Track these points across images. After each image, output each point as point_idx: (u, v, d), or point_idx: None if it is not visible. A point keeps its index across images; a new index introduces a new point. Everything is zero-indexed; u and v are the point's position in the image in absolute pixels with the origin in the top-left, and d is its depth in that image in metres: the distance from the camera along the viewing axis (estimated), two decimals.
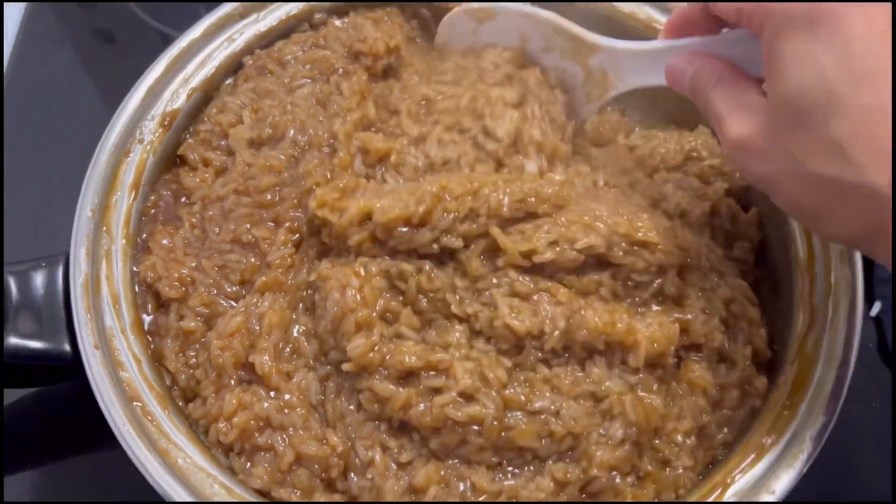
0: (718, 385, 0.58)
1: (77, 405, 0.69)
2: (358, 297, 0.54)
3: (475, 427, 0.52)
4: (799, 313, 0.61)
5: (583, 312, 0.54)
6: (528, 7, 0.67)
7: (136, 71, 0.69)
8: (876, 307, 0.74)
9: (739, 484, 0.54)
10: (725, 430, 0.58)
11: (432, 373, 0.53)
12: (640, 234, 0.57)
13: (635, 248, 0.57)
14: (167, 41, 0.92)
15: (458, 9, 0.70)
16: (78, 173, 0.63)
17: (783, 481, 0.53)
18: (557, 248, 0.55)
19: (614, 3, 0.74)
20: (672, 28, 0.58)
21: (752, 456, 0.55)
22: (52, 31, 0.99)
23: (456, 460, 0.53)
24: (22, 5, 0.98)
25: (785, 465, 0.54)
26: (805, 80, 0.42)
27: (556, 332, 0.54)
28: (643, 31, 0.73)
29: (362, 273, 0.56)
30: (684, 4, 0.57)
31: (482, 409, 0.52)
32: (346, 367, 0.54)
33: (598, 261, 0.57)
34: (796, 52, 0.43)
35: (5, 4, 0.97)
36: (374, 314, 0.55)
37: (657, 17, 0.73)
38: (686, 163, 0.71)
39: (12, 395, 0.71)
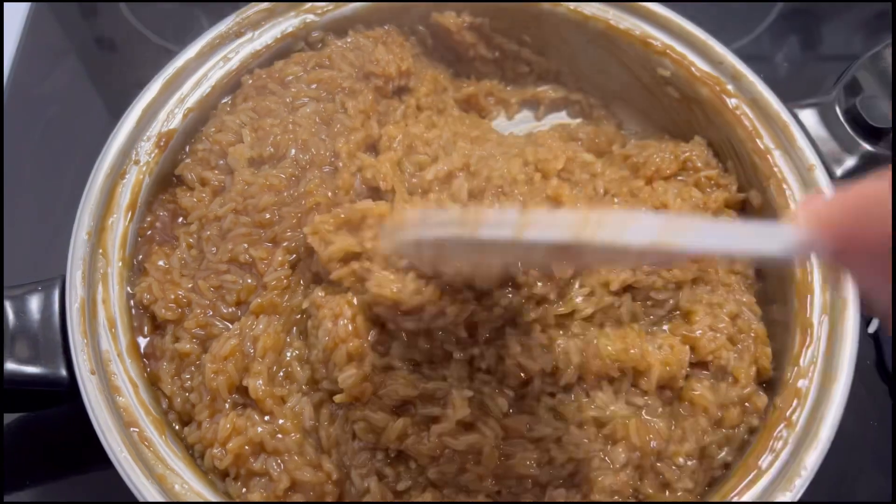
0: (719, 404, 0.58)
1: (73, 426, 0.70)
2: (350, 327, 0.54)
3: (474, 456, 0.52)
4: (795, 332, 0.61)
5: (596, 342, 0.55)
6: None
7: (139, 79, 0.68)
8: (874, 324, 0.74)
9: None
10: (725, 450, 0.58)
11: (429, 402, 0.53)
12: None
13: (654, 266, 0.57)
14: (169, 49, 0.93)
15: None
16: (76, 193, 0.63)
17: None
18: (594, 298, 0.56)
19: (609, 20, 0.74)
20: None
21: (749, 478, 0.55)
22: (55, 39, 0.98)
23: (454, 488, 0.53)
24: (25, 10, 0.98)
25: (782, 487, 0.53)
26: None
27: (571, 368, 0.54)
28: (639, 48, 0.73)
29: (355, 303, 0.55)
30: None
31: (481, 438, 0.52)
32: (338, 398, 0.54)
33: (621, 287, 0.57)
34: None
35: (9, 9, 0.97)
36: (366, 345, 0.54)
37: (653, 32, 0.73)
38: (681, 172, 0.71)
39: (7, 416, 0.70)
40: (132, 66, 0.97)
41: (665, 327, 0.59)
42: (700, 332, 0.58)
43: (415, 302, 0.52)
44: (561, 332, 0.55)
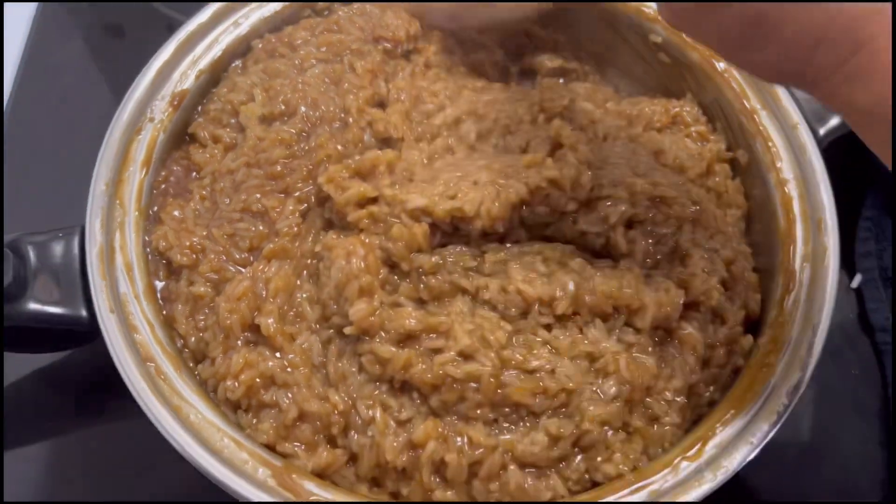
0: (707, 344, 0.61)
1: (83, 378, 0.74)
2: (362, 264, 0.57)
3: (473, 384, 0.55)
4: (779, 279, 0.64)
5: (592, 280, 0.58)
6: None
7: (146, 64, 0.71)
8: (857, 279, 0.78)
9: (721, 436, 0.56)
10: (712, 388, 0.61)
11: (433, 335, 0.56)
12: (658, 191, 0.61)
13: (655, 202, 0.61)
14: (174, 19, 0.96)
15: None
16: (91, 156, 0.66)
17: (762, 431, 0.56)
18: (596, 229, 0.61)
19: None
20: None
21: (734, 410, 0.58)
22: (63, 26, 1.01)
23: (454, 417, 0.56)
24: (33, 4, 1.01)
25: (763, 417, 0.57)
26: None
27: (566, 297, 0.57)
28: (633, 15, 0.77)
29: (367, 242, 0.59)
30: None
31: (480, 367, 0.55)
32: (347, 330, 0.57)
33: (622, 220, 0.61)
34: None
35: (18, 3, 0.99)
36: (376, 281, 0.58)
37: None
38: (672, 126, 0.74)
39: (17, 372, 0.74)
40: (140, 49, 0.99)
41: (662, 270, 0.62)
42: (693, 272, 0.61)
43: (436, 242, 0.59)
44: (560, 268, 0.58)
